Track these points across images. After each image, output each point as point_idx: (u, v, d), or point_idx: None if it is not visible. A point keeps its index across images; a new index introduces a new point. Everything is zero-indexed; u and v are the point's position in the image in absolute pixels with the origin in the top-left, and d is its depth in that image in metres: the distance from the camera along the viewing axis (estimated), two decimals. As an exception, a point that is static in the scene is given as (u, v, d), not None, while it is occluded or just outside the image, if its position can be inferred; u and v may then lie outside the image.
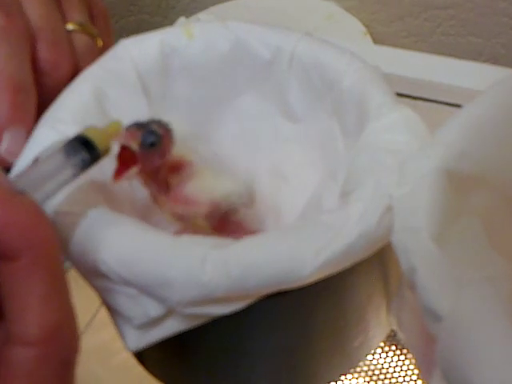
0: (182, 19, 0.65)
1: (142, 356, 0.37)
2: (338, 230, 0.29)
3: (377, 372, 0.53)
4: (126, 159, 0.32)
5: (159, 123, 0.33)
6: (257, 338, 0.33)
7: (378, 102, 0.35)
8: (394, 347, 0.54)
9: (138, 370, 0.38)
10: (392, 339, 0.54)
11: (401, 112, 0.34)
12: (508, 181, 0.30)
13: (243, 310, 0.29)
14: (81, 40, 0.40)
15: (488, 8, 0.82)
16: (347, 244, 0.29)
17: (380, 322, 0.37)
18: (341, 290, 0.32)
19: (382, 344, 0.55)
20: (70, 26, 0.40)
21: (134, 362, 0.38)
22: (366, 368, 0.53)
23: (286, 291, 0.29)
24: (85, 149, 0.29)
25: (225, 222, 0.36)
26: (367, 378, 0.53)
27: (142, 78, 0.39)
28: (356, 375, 0.53)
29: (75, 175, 0.29)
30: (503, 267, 0.29)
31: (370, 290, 0.34)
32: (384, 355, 0.54)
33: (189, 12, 0.96)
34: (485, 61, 0.87)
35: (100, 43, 0.42)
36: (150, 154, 0.32)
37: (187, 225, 0.36)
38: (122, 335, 0.32)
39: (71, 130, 0.33)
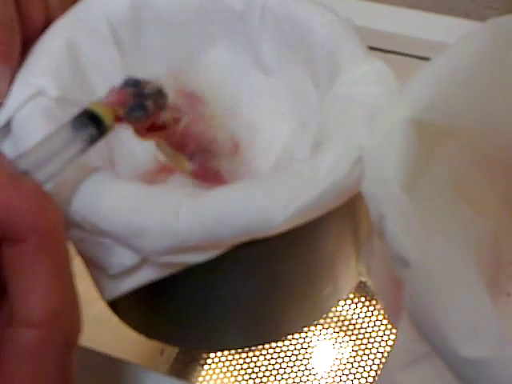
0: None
1: (116, 306, 0.37)
2: (310, 180, 0.29)
3: (346, 323, 0.55)
4: None
5: (156, 96, 0.32)
6: (229, 287, 0.33)
7: (349, 54, 0.35)
8: (363, 298, 0.55)
9: (114, 320, 0.38)
10: (362, 290, 0.55)
11: (372, 64, 0.34)
12: (474, 132, 0.30)
13: (216, 259, 0.29)
14: None
15: (460, -37, 0.82)
16: (318, 194, 0.29)
17: (350, 272, 0.37)
18: (312, 240, 0.33)
19: (351, 295, 0.56)
20: None
21: (109, 313, 0.38)
22: (335, 319, 0.55)
23: (258, 240, 0.29)
24: (92, 123, 0.28)
25: (205, 168, 0.36)
26: (337, 329, 0.54)
27: (114, 29, 0.38)
28: (326, 325, 0.54)
29: (82, 151, 0.28)
30: (469, 216, 0.30)
31: (341, 239, 0.35)
32: (354, 306, 0.55)
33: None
34: (456, 16, 0.87)
35: None
36: (134, 121, 0.32)
37: (170, 161, 0.36)
38: (97, 285, 0.32)
39: (46, 84, 0.33)
